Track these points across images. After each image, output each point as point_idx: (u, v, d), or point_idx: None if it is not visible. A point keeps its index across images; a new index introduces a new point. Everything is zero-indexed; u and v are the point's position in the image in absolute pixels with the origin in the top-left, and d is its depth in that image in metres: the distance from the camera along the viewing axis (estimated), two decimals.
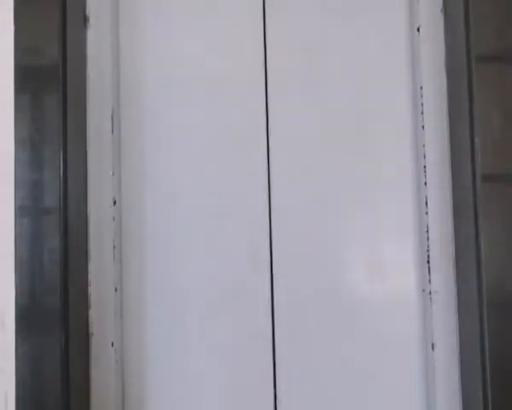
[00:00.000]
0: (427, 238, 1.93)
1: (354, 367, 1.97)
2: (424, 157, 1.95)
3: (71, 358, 1.81)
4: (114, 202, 1.98)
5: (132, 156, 2.01)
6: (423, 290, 1.96)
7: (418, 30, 1.98)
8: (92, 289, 1.94)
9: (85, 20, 1.98)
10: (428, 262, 1.93)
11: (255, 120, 2.01)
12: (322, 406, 1.97)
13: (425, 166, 1.95)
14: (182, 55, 2.04)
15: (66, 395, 1.79)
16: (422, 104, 1.96)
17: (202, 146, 2.01)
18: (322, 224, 1.99)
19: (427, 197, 1.94)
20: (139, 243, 2.00)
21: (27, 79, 1.77)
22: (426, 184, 1.95)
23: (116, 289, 1.96)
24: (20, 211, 1.72)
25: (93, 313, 1.93)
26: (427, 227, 1.94)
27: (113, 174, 1.98)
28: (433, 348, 1.92)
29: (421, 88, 1.96)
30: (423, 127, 1.96)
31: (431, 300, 1.93)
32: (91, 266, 1.94)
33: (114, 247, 1.97)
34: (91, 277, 1.94)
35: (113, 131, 1.99)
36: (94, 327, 1.94)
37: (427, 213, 1.94)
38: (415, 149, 1.99)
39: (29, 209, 1.78)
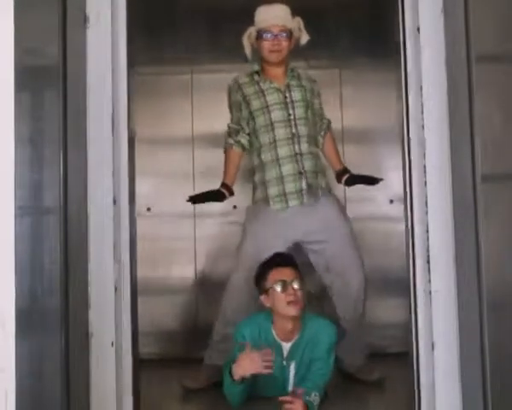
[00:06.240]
0: (427, 238, 1.93)
1: None
2: (424, 157, 1.94)
3: (71, 358, 1.81)
4: (114, 202, 1.97)
5: None
6: (423, 290, 1.95)
7: (418, 30, 1.97)
8: (92, 290, 1.93)
9: (85, 20, 1.98)
10: (428, 262, 1.93)
11: None
12: None
13: (425, 166, 1.94)
14: None
15: (66, 395, 1.79)
16: (422, 104, 1.95)
17: None
18: None
19: (427, 197, 1.94)
20: None
21: (27, 78, 1.76)
22: (426, 184, 1.94)
23: (116, 289, 1.96)
24: (20, 211, 1.72)
25: (93, 313, 1.93)
26: (427, 227, 1.93)
27: (113, 174, 1.97)
28: (433, 347, 1.91)
29: (421, 88, 1.96)
30: (423, 127, 1.95)
31: (431, 300, 1.92)
32: (91, 266, 1.94)
33: (114, 247, 1.96)
34: (91, 277, 1.93)
35: (113, 131, 1.98)
36: (94, 327, 1.93)
37: (427, 214, 1.94)
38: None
39: (29, 209, 1.77)
